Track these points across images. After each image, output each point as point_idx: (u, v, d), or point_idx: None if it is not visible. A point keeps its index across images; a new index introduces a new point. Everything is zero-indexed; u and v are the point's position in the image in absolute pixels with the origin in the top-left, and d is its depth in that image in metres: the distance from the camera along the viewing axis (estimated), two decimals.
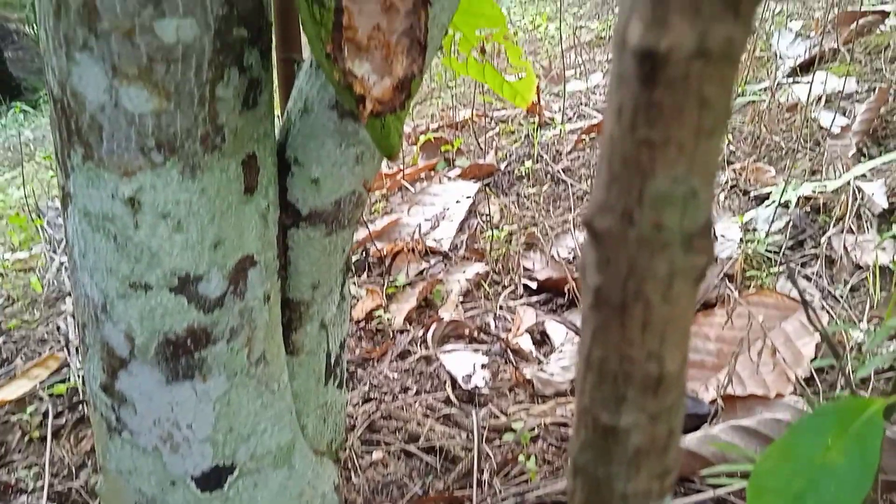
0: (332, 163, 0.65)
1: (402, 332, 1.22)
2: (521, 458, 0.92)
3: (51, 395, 1.18)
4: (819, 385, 1.00)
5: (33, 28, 9.92)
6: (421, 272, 1.45)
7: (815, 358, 1.03)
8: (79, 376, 1.25)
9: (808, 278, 1.28)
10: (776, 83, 1.89)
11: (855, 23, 2.03)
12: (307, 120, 0.64)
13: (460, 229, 1.63)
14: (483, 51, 0.92)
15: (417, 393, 1.05)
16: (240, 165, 0.59)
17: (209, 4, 0.51)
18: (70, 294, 1.69)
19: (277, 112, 0.66)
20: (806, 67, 1.98)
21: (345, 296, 0.80)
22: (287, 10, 0.68)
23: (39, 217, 2.37)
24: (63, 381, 1.20)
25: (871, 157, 1.54)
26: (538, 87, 2.22)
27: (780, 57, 2.09)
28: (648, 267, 0.19)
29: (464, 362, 1.08)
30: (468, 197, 1.76)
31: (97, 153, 0.54)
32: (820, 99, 1.76)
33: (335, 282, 0.75)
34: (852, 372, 0.91)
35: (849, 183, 1.40)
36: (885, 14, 2.07)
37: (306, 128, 0.64)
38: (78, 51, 0.50)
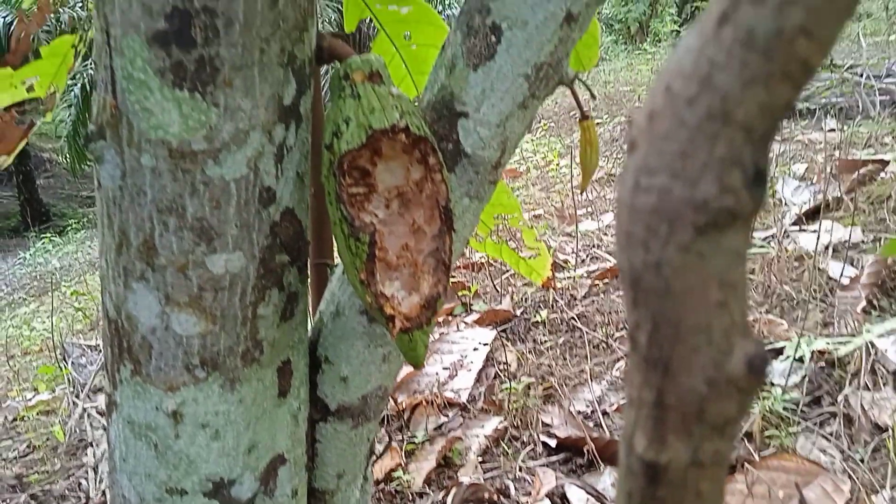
0: (360, 362, 0.69)
1: (421, 495, 1.22)
2: None
3: None
4: None
5: (65, 158, 10.45)
6: (439, 426, 1.46)
7: None
8: None
9: (827, 438, 1.28)
10: (783, 231, 1.95)
11: (857, 171, 2.11)
12: (338, 322, 0.68)
13: (478, 379, 1.65)
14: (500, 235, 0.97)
15: None
16: (275, 373, 0.63)
17: (255, 238, 0.56)
18: (91, 444, 1.70)
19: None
20: (811, 215, 2.04)
21: (367, 477, 0.82)
22: (320, 219, 0.74)
23: (64, 359, 2.41)
24: None
25: (881, 310, 1.57)
26: (552, 263, 2.28)
27: (786, 203, 2.17)
28: None
29: None
30: (485, 344, 1.79)
31: (145, 370, 0.58)
32: (827, 248, 1.81)
33: (359, 469, 0.77)
34: None
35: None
36: (885, 163, 2.15)
37: (337, 330, 0.68)
38: (135, 281, 0.55)
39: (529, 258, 1.02)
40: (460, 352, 1.76)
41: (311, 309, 0.74)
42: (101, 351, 2.51)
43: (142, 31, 0.48)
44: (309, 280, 0.72)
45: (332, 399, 0.70)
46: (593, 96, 0.64)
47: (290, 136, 0.56)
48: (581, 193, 0.77)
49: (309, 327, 0.70)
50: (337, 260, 0.75)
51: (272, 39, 0.52)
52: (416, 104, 0.69)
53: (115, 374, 0.60)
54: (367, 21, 0.91)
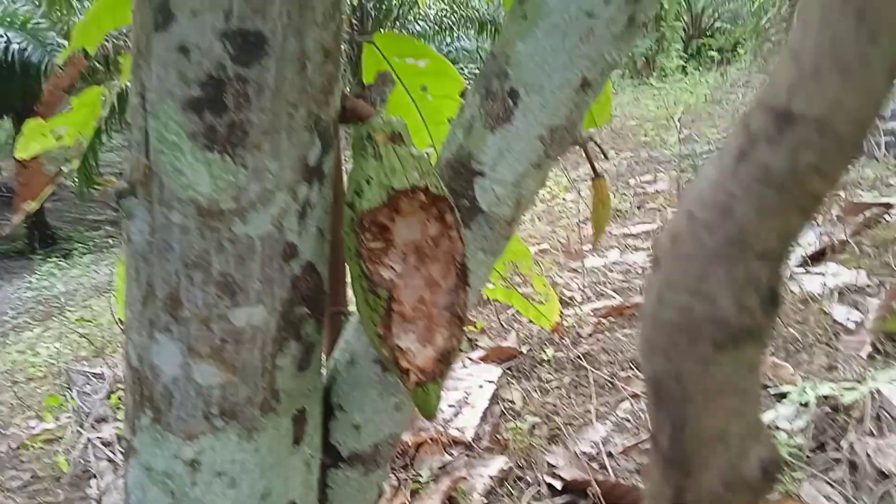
0: (373, 410, 0.70)
1: None
2: None
3: None
4: None
5: (74, 181, 10.54)
6: (444, 465, 1.46)
7: None
8: None
9: (832, 485, 1.28)
10: (789, 273, 1.96)
11: (862, 214, 2.13)
12: (352, 371, 0.70)
13: (483, 417, 1.66)
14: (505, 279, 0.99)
15: None
16: (291, 421, 0.64)
17: (277, 292, 0.58)
18: (95, 476, 1.70)
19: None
20: (816, 257, 2.06)
21: None
22: (335, 267, 0.75)
23: (69, 387, 2.42)
24: None
25: (886, 355, 1.58)
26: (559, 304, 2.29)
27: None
28: None
29: None
30: (491, 381, 1.80)
31: (165, 418, 0.59)
32: (832, 292, 1.82)
33: None
34: None
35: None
36: (890, 206, 2.17)
37: (351, 378, 0.70)
38: (159, 332, 0.57)
39: (538, 303, 1.03)
40: (465, 389, 1.77)
41: (324, 356, 0.75)
42: (105, 379, 2.52)
43: (177, 97, 0.50)
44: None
45: (345, 446, 0.71)
46: (606, 157, 0.66)
47: (313, 193, 0.58)
48: (593, 247, 0.79)
49: (322, 374, 0.72)
50: (351, 307, 0.76)
51: (300, 104, 0.54)
52: (429, 154, 0.71)
53: (134, 420, 0.61)
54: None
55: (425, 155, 0.61)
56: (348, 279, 0.67)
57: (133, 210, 0.55)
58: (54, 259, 6.53)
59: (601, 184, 0.65)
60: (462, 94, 0.94)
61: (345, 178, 0.65)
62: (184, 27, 0.49)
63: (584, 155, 0.68)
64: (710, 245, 0.21)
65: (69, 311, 4.75)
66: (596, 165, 0.65)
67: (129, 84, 0.58)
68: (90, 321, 3.65)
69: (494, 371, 1.83)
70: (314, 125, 0.56)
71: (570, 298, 2.31)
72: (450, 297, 0.63)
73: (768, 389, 1.56)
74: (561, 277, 2.53)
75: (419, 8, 10.74)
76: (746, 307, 0.20)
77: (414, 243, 0.62)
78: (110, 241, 8.66)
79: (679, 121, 4.73)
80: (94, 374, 2.60)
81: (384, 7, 10.44)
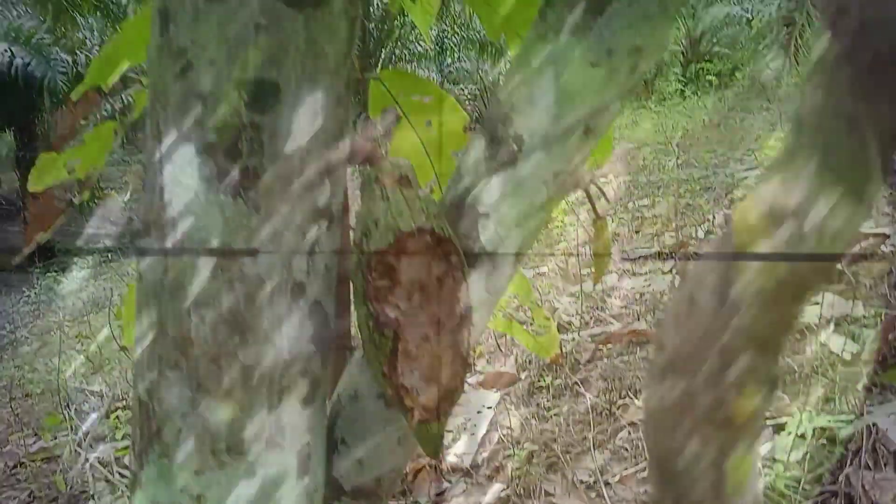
0: (375, 444, 0.71)
1: None
2: None
3: None
4: None
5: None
6: (442, 492, 1.46)
7: None
8: None
9: None
10: None
11: (858, 245, 2.14)
12: (356, 405, 0.71)
13: (481, 444, 1.66)
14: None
15: None
16: (295, 457, 0.65)
17: (284, 330, 0.59)
18: (93, 497, 1.70)
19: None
20: None
21: None
22: (340, 303, 0.77)
23: (67, 405, 2.41)
24: None
25: (882, 387, 1.59)
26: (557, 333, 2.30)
27: None
28: None
29: None
30: (489, 407, 1.81)
31: (173, 452, 0.60)
32: (829, 322, 1.83)
33: None
34: None
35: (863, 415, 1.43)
36: (886, 236, 2.19)
37: (355, 413, 0.71)
38: (169, 369, 0.58)
39: (538, 335, 1.04)
40: (464, 415, 1.77)
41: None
42: (104, 397, 2.52)
43: (192, 142, 0.52)
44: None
45: (347, 480, 0.72)
46: (607, 200, 0.67)
47: (321, 234, 0.60)
48: (594, 285, 0.81)
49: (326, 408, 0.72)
50: (354, 342, 0.77)
51: (311, 149, 0.55)
52: (432, 188, 0.73)
53: (142, 454, 0.62)
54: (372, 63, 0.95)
55: (431, 196, 0.63)
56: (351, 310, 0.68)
57: (146, 249, 0.56)
58: (53, 273, 6.53)
59: (603, 226, 0.67)
60: (465, 129, 0.95)
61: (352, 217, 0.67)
62: (201, 75, 0.51)
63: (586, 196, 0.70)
64: (713, 332, 0.22)
65: (67, 326, 4.74)
66: (597, 207, 0.66)
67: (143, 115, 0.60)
68: (88, 338, 3.65)
69: (493, 397, 1.84)
70: (324, 168, 0.57)
71: (569, 323, 2.31)
72: (454, 336, 0.64)
73: (765, 421, 1.56)
74: (559, 302, 2.54)
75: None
76: (747, 392, 0.22)
77: (419, 283, 0.63)
78: (109, 255, 8.66)
79: (677, 145, 4.77)
80: (92, 392, 2.59)
81: (386, 28, 10.53)
